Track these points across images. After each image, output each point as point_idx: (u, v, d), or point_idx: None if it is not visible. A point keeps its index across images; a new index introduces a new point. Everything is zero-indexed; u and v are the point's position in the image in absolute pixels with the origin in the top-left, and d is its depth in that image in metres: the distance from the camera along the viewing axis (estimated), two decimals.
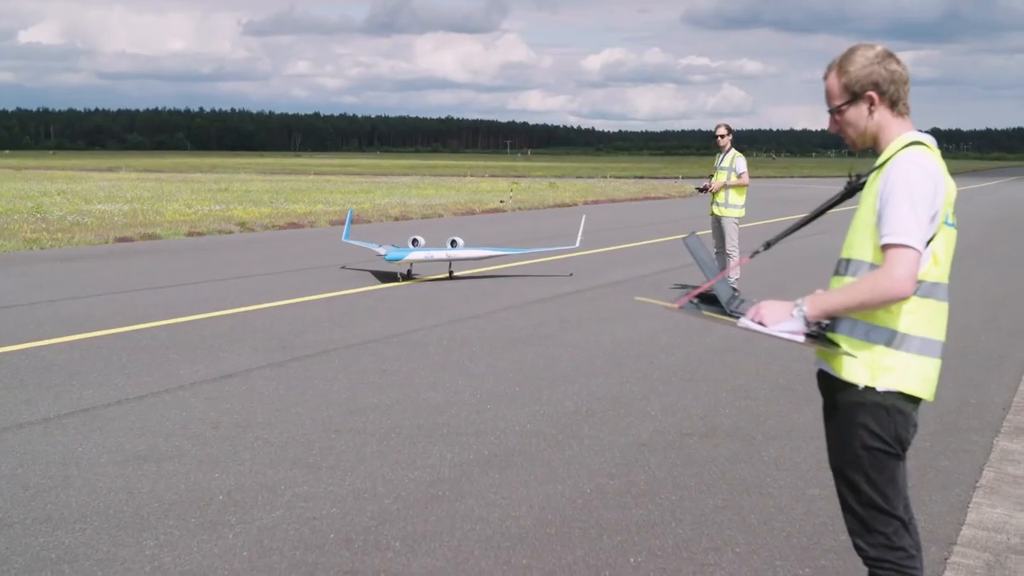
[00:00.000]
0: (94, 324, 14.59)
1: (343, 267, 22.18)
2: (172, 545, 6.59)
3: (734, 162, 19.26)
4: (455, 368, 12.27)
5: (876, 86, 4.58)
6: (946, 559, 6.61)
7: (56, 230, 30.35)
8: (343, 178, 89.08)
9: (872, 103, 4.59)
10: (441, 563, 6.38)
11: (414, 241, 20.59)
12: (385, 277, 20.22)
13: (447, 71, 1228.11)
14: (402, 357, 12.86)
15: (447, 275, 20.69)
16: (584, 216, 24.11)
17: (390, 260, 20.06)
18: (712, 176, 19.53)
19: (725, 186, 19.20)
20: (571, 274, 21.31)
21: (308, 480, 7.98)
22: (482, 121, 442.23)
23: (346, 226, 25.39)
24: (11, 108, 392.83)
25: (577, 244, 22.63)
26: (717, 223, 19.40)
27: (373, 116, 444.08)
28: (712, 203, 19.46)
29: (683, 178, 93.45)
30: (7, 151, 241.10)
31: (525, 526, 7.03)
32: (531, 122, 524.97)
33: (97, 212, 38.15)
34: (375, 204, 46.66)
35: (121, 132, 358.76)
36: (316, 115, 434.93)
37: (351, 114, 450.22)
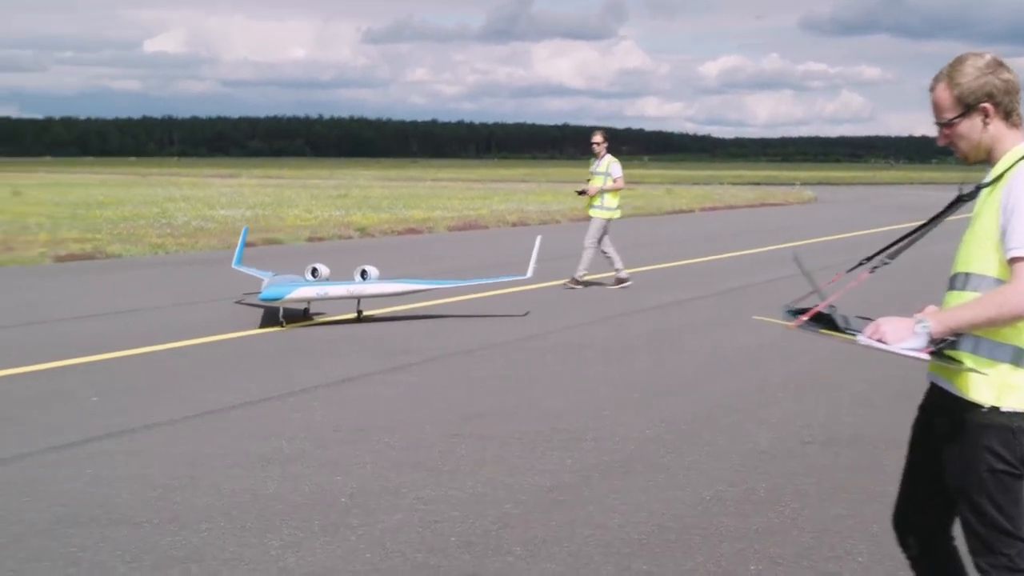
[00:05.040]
0: (216, 328, 14.80)
1: (238, 302, 17.87)
2: (296, 546, 6.69)
3: (610, 167, 20.67)
4: (573, 374, 12.29)
5: (991, 97, 4.39)
6: None
7: (180, 235, 30.84)
8: (460, 184, 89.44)
9: (987, 115, 4.40)
10: (561, 568, 6.40)
11: (314, 271, 16.19)
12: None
13: (564, 78, 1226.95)
14: (520, 363, 12.91)
15: (355, 315, 16.19)
16: (539, 237, 18.53)
17: (264, 300, 15.37)
18: (589, 180, 20.92)
19: (602, 190, 20.56)
20: (527, 313, 16.90)
21: (429, 483, 8.04)
22: (598, 128, 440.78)
23: (238, 249, 20.25)
24: (137, 116, 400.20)
25: (529, 274, 17.59)
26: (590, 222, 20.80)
27: (490, 123, 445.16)
28: (589, 206, 20.86)
29: (800, 184, 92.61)
30: (133, 158, 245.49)
31: (645, 532, 7.03)
32: (647, 128, 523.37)
33: (220, 218, 38.68)
34: (492, 210, 46.81)
35: (242, 139, 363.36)
36: (433, 122, 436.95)
37: (468, 121, 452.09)
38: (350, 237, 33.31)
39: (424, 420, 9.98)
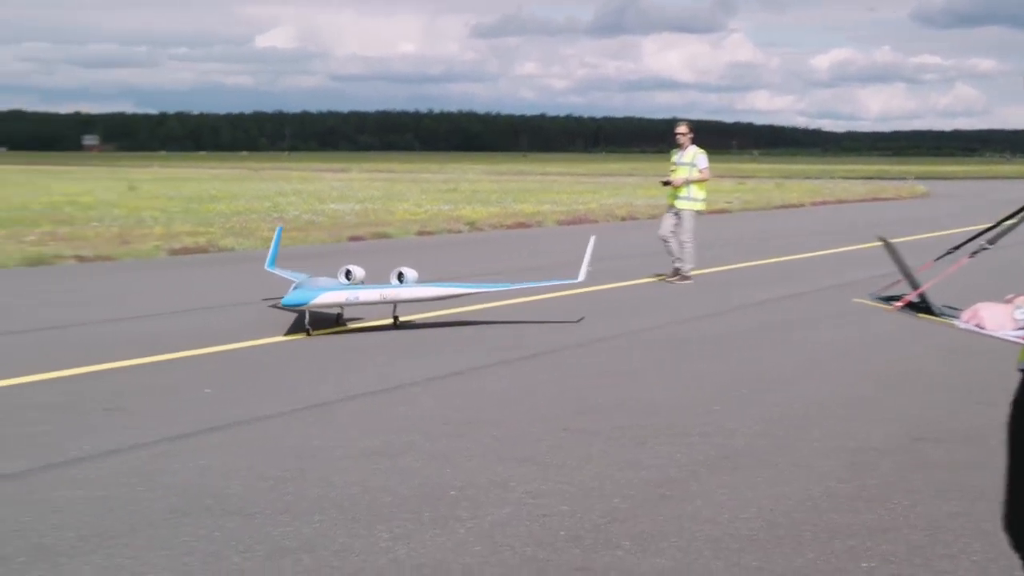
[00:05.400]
0: (326, 322, 14.89)
1: (271, 303, 16.77)
2: (406, 538, 6.71)
3: (696, 158, 20.61)
4: (681, 368, 12.25)
5: None
6: None
7: (291, 229, 31.10)
8: (569, 178, 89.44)
9: None
10: (670, 563, 6.37)
11: (348, 273, 14.98)
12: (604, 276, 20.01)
13: (673, 71, 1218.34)
14: (626, 358, 12.89)
15: (391, 321, 14.99)
16: (593, 238, 16.79)
17: (287, 305, 14.10)
18: (672, 172, 20.79)
19: (687, 181, 20.50)
20: (582, 318, 15.63)
21: (537, 477, 8.04)
22: (707, 121, 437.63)
23: (272, 249, 18.79)
24: (248, 111, 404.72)
25: (581, 278, 15.96)
26: (677, 215, 20.66)
27: (599, 117, 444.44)
28: (675, 197, 20.75)
29: (913, 179, 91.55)
30: (245, 152, 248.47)
31: (754, 528, 6.98)
32: (757, 122, 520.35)
33: (330, 211, 39.07)
34: (601, 204, 46.77)
35: (353, 133, 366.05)
36: (542, 116, 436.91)
37: (576, 115, 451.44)
38: (459, 231, 33.43)
39: (532, 414, 9.99)
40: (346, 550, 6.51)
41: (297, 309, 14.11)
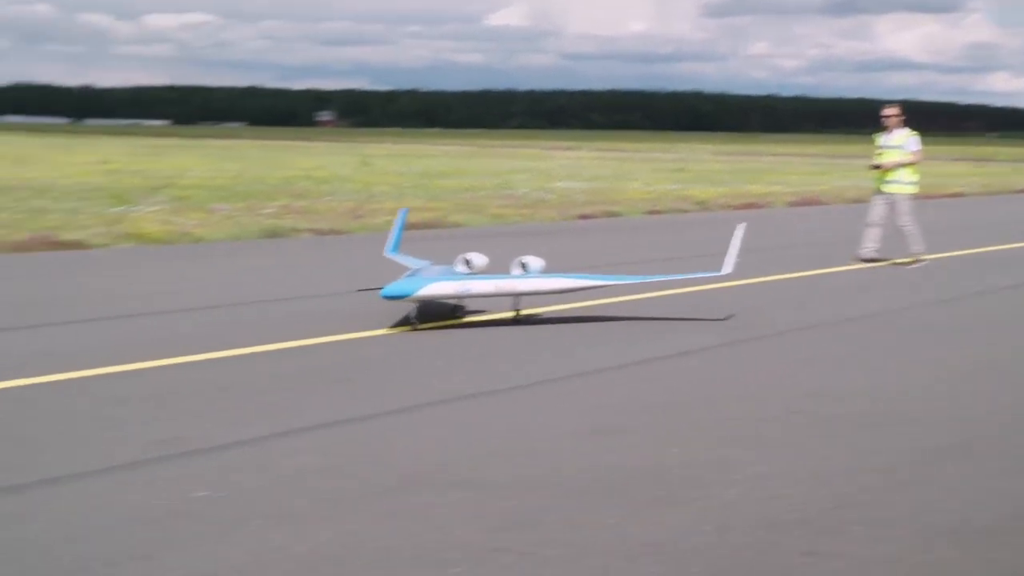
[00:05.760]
0: (551, 298, 14.81)
1: (360, 289, 15.60)
2: (635, 516, 6.68)
3: (906, 141, 19.95)
4: (913, 354, 12.00)
5: None
6: None
7: (521, 206, 31.30)
8: (799, 159, 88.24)
9: None
10: (903, 551, 6.22)
11: (467, 263, 13.65)
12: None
13: (908, 52, 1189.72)
14: (859, 341, 12.67)
15: (513, 314, 13.62)
16: (743, 226, 14.65)
17: (387, 297, 12.59)
18: (879, 155, 20.24)
19: (899, 164, 19.91)
20: (728, 317, 13.88)
21: (764, 460, 7.93)
22: (941, 103, 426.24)
23: (395, 234, 17.06)
24: (478, 88, 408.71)
25: (728, 270, 14.03)
26: (888, 200, 20.12)
27: (830, 98, 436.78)
28: (883, 181, 20.19)
29: None
30: (475, 129, 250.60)
31: (992, 519, 6.76)
32: (994, 104, 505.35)
33: (559, 190, 39.11)
34: (833, 186, 46.08)
35: (581, 112, 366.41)
36: (771, 96, 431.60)
37: (807, 95, 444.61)
38: (688, 211, 33.27)
39: (757, 396, 9.87)
40: (575, 525, 6.51)
41: (399, 301, 12.77)
